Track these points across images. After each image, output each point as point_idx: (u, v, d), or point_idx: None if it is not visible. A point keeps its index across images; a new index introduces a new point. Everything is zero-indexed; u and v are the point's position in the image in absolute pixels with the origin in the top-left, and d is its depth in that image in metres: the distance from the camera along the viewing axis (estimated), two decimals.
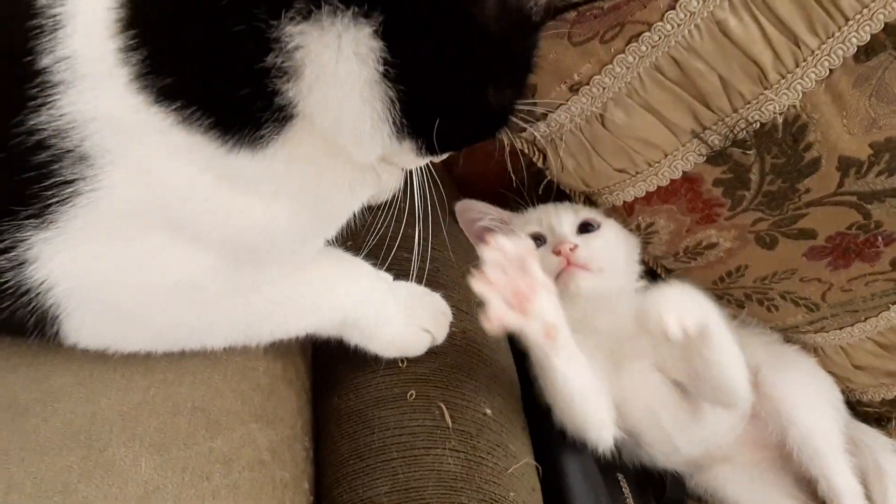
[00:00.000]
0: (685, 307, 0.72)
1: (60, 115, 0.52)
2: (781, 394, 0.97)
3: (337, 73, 0.51)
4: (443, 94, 0.55)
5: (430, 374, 0.78)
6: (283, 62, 0.50)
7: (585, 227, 0.97)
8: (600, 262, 0.92)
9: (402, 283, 0.78)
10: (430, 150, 0.58)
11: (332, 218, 0.65)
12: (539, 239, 0.96)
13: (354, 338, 0.74)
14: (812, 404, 0.99)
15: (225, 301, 0.64)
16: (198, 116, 0.52)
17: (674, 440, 0.92)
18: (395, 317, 0.75)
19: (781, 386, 0.98)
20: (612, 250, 0.96)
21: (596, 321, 0.91)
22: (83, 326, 0.61)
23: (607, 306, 0.92)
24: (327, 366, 0.81)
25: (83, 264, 0.57)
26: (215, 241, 0.59)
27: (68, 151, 0.53)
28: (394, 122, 0.53)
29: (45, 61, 0.52)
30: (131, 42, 0.51)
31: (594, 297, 0.91)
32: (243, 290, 0.65)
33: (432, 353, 0.79)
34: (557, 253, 0.92)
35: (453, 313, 0.84)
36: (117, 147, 0.53)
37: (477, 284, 0.68)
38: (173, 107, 0.52)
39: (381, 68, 0.51)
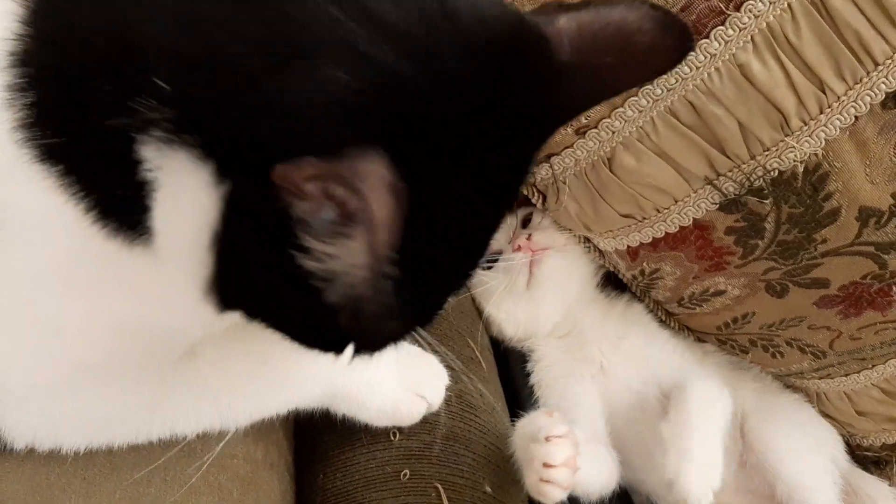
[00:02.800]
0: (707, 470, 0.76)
1: None
2: (767, 447, 0.94)
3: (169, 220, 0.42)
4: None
5: (425, 448, 0.72)
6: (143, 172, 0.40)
7: (527, 222, 1.01)
8: (561, 238, 0.97)
9: None
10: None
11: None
12: (495, 255, 0.98)
13: (342, 408, 0.67)
14: (800, 458, 0.96)
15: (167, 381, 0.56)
16: (75, 191, 0.42)
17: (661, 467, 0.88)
18: (386, 382, 0.68)
19: (769, 438, 0.95)
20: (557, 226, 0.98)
21: (583, 324, 0.97)
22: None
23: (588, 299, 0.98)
24: (311, 437, 0.75)
25: None
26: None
27: None
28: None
29: None
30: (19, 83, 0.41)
31: (569, 278, 0.97)
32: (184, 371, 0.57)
33: (426, 422, 0.73)
34: (518, 249, 0.95)
35: (449, 371, 0.78)
36: None
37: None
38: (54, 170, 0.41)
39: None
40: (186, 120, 0.39)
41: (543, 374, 0.97)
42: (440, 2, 0.40)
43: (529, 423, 0.76)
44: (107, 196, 0.42)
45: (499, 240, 1.00)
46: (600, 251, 0.96)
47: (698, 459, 0.76)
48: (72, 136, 0.42)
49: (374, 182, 0.33)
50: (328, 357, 0.52)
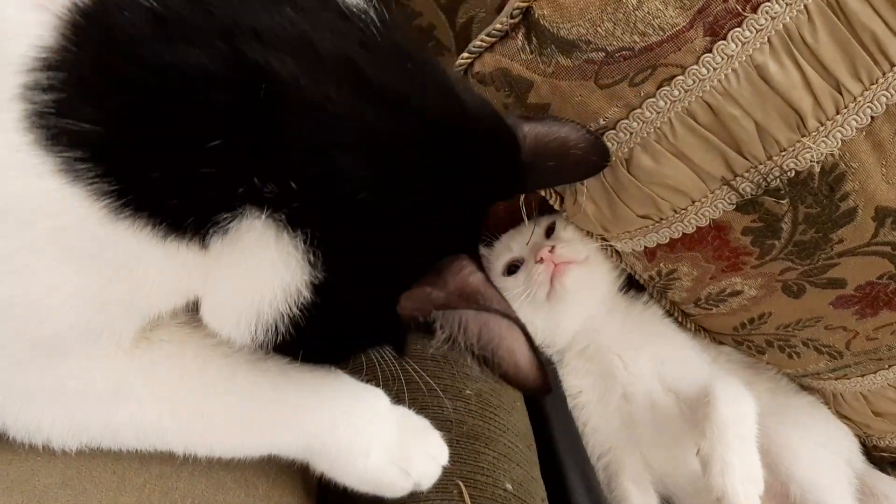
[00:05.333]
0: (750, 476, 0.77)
1: None
2: (782, 447, 0.94)
3: (251, 280, 0.50)
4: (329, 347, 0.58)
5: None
6: (225, 222, 0.48)
7: (550, 232, 1.01)
8: (584, 250, 0.97)
9: (393, 410, 0.67)
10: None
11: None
12: (515, 265, 1.01)
13: (322, 467, 0.64)
14: (814, 458, 0.96)
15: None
16: (93, 176, 0.46)
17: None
18: (373, 448, 0.64)
19: (783, 439, 0.95)
20: (583, 236, 0.98)
21: (601, 338, 0.98)
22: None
23: (607, 308, 0.99)
24: None
25: None
26: None
27: None
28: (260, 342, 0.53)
29: None
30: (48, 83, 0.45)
31: (591, 291, 0.98)
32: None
33: (447, 420, 0.73)
34: (540, 261, 0.95)
35: (467, 373, 0.79)
36: None
37: None
38: (67, 154, 0.45)
39: (290, 308, 0.50)
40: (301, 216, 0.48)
41: (579, 410, 0.98)
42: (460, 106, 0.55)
43: None
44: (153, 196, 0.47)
45: (521, 247, 1.01)
46: (618, 253, 0.96)
47: (740, 470, 0.76)
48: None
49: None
50: (313, 414, 0.61)
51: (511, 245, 1.04)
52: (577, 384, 0.98)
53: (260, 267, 0.49)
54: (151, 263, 0.49)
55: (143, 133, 0.46)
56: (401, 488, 0.65)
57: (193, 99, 0.46)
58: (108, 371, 0.55)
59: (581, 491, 0.86)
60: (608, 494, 0.91)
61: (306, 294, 0.50)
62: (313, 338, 0.54)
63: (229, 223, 0.48)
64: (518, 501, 0.72)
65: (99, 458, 0.57)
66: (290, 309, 0.51)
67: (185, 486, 0.58)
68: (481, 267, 0.55)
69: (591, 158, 0.63)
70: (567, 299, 0.96)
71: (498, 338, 0.53)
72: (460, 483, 0.69)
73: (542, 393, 0.57)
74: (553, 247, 0.96)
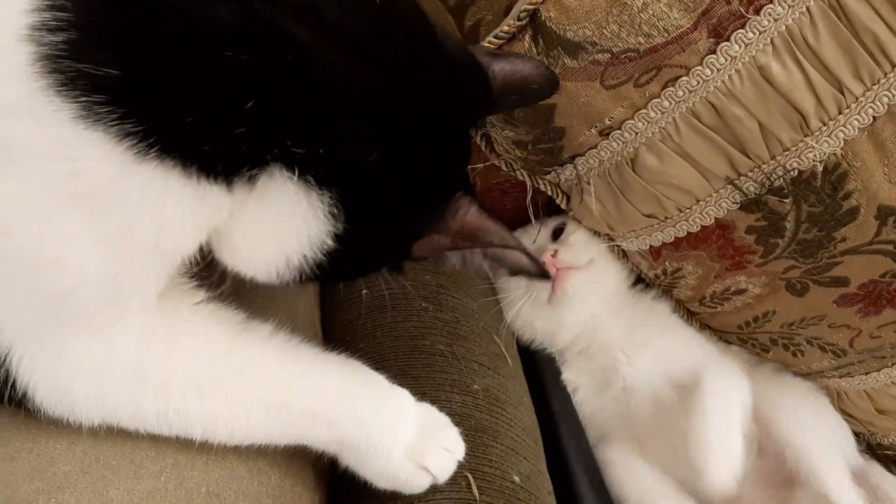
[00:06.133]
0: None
1: None
2: (776, 418, 0.95)
3: (277, 227, 0.55)
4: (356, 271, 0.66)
5: None
6: (253, 170, 0.51)
7: (557, 233, 1.02)
8: (587, 254, 0.97)
9: (416, 407, 0.68)
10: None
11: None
12: None
13: (349, 461, 0.66)
14: (815, 437, 0.97)
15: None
16: (115, 118, 0.47)
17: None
18: (397, 445, 0.65)
19: (777, 411, 0.96)
20: (589, 241, 0.98)
21: (604, 337, 0.98)
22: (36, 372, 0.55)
23: (612, 307, 0.98)
24: None
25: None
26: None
27: None
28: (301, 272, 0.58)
29: None
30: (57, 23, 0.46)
31: (593, 297, 0.98)
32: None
33: (455, 414, 0.74)
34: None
35: (474, 368, 0.80)
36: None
37: None
38: (87, 98, 0.46)
39: (314, 254, 0.56)
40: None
41: (581, 406, 0.99)
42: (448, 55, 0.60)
43: None
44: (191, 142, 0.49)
45: (529, 244, 1.01)
46: (624, 252, 0.97)
47: (719, 449, 0.77)
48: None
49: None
50: (343, 408, 0.63)
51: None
52: (575, 380, 0.99)
53: (289, 219, 0.54)
54: (177, 201, 0.50)
55: (170, 80, 0.47)
56: (418, 485, 0.66)
57: (219, 54, 0.47)
58: (135, 343, 0.57)
59: (585, 484, 0.87)
60: (608, 485, 0.92)
61: (330, 243, 0.55)
62: (334, 274, 0.60)
63: (258, 177, 0.51)
64: (525, 494, 0.73)
65: (117, 446, 0.59)
66: (316, 254, 0.56)
67: (199, 475, 0.60)
68: (475, 200, 0.61)
69: (546, 90, 0.70)
70: (568, 304, 0.97)
71: (501, 254, 0.62)
72: (469, 475, 0.70)
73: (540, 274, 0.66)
74: (556, 251, 0.97)
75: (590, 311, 0.99)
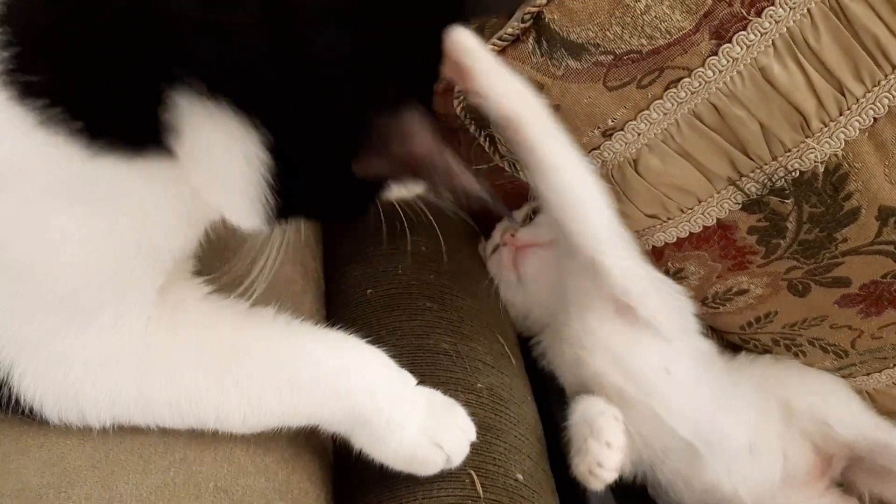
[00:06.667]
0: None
1: None
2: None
3: (219, 161, 0.53)
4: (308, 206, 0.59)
5: None
6: (169, 119, 0.50)
7: (533, 217, 0.99)
8: (549, 233, 0.94)
9: (422, 389, 0.69)
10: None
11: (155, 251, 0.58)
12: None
13: (362, 439, 0.65)
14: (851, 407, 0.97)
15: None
16: (62, 119, 0.49)
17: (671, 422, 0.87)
18: (410, 420, 0.65)
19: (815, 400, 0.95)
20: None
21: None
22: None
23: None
24: None
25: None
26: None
27: None
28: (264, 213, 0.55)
29: None
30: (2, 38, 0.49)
31: (551, 274, 0.93)
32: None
33: None
34: (503, 244, 0.97)
35: (479, 367, 0.81)
36: None
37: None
38: (39, 104, 0.49)
39: (260, 172, 0.52)
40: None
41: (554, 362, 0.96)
42: None
43: (592, 411, 0.82)
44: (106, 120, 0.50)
45: (502, 230, 1.01)
46: None
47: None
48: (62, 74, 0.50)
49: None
50: (352, 377, 0.63)
51: (497, 233, 1.02)
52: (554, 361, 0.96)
53: (224, 145, 0.52)
54: (137, 190, 0.53)
55: (80, 66, 0.50)
56: (434, 463, 0.67)
57: (102, 31, 0.49)
58: (141, 336, 0.58)
59: None
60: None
61: (264, 157, 0.52)
62: (295, 201, 0.56)
63: (176, 120, 0.51)
64: (528, 492, 0.73)
65: (126, 442, 0.59)
66: (263, 175, 0.52)
67: (208, 470, 0.61)
68: (433, 123, 0.53)
69: None
70: (531, 282, 0.95)
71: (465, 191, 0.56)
72: (472, 473, 0.71)
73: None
74: (515, 231, 0.96)
75: (558, 290, 0.95)
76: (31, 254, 0.53)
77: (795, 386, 0.97)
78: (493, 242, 1.02)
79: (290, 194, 0.54)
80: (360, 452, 0.66)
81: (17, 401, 0.57)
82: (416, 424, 0.65)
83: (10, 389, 0.56)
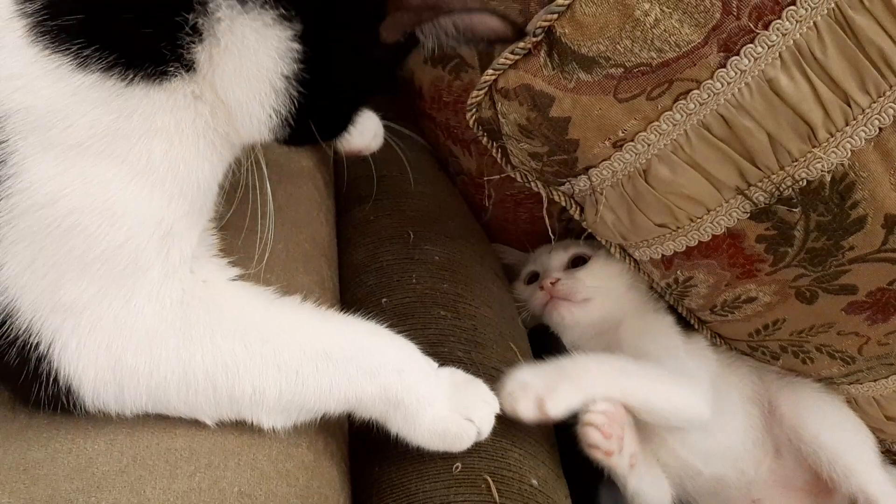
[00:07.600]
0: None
1: None
2: (803, 420, 0.97)
3: (251, 58, 0.56)
4: (333, 105, 0.64)
5: (476, 442, 0.75)
6: (200, 25, 0.54)
7: (577, 262, 1.06)
8: (585, 293, 1.01)
9: (444, 368, 0.73)
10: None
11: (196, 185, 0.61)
12: (535, 276, 1.07)
13: (397, 421, 0.68)
14: (838, 427, 0.99)
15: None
16: (98, 56, 0.52)
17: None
18: (437, 398, 0.69)
19: (802, 413, 0.98)
20: (597, 280, 1.03)
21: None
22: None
23: (609, 333, 1.00)
24: (366, 432, 0.78)
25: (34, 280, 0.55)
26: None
27: None
28: (284, 118, 0.60)
29: None
30: None
31: (589, 327, 1.01)
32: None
33: None
34: (541, 288, 1.02)
35: (492, 375, 0.82)
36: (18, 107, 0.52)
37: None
38: (74, 47, 0.52)
39: (293, 67, 0.57)
40: None
41: None
42: None
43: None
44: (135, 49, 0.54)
45: (541, 265, 1.09)
46: (635, 261, 0.99)
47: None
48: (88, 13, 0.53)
49: None
50: (385, 354, 0.66)
51: (536, 260, 1.10)
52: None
53: (249, 46, 0.56)
54: (166, 114, 0.55)
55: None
56: (468, 436, 0.70)
57: None
58: (180, 304, 0.60)
59: (606, 493, 0.89)
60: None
61: (296, 46, 0.57)
62: (326, 88, 0.61)
63: (207, 24, 0.54)
64: (543, 497, 0.74)
65: (152, 447, 0.61)
66: (294, 67, 0.58)
67: (232, 476, 0.62)
68: None
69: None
70: (556, 328, 1.02)
71: (471, 24, 0.62)
72: (488, 478, 0.72)
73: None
74: (558, 279, 1.02)
75: (579, 338, 1.02)
76: (80, 208, 0.54)
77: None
78: (527, 269, 1.08)
79: (317, 89, 0.58)
80: (396, 437, 0.69)
81: (56, 380, 0.58)
82: (444, 401, 0.69)
83: (49, 365, 0.58)
